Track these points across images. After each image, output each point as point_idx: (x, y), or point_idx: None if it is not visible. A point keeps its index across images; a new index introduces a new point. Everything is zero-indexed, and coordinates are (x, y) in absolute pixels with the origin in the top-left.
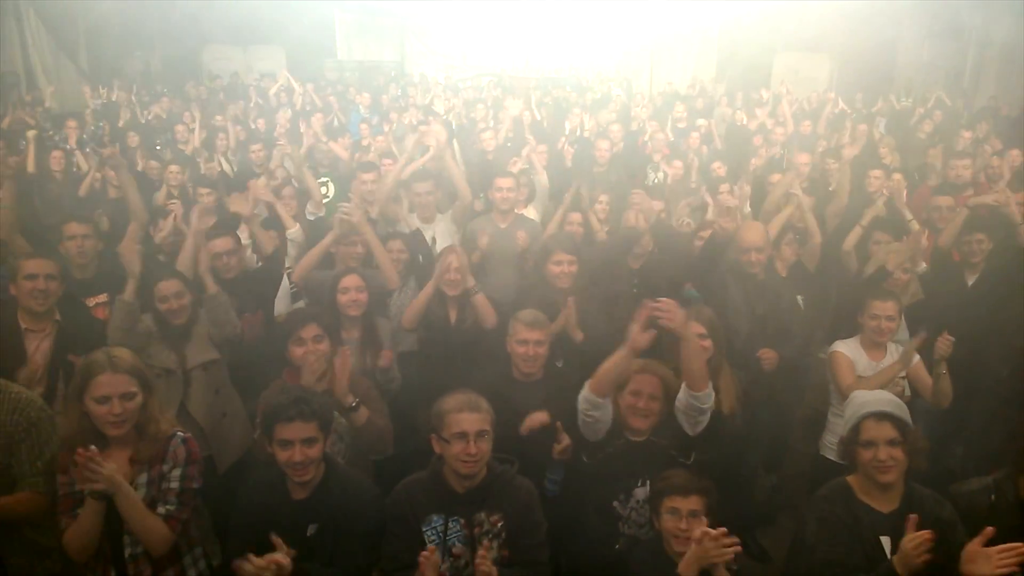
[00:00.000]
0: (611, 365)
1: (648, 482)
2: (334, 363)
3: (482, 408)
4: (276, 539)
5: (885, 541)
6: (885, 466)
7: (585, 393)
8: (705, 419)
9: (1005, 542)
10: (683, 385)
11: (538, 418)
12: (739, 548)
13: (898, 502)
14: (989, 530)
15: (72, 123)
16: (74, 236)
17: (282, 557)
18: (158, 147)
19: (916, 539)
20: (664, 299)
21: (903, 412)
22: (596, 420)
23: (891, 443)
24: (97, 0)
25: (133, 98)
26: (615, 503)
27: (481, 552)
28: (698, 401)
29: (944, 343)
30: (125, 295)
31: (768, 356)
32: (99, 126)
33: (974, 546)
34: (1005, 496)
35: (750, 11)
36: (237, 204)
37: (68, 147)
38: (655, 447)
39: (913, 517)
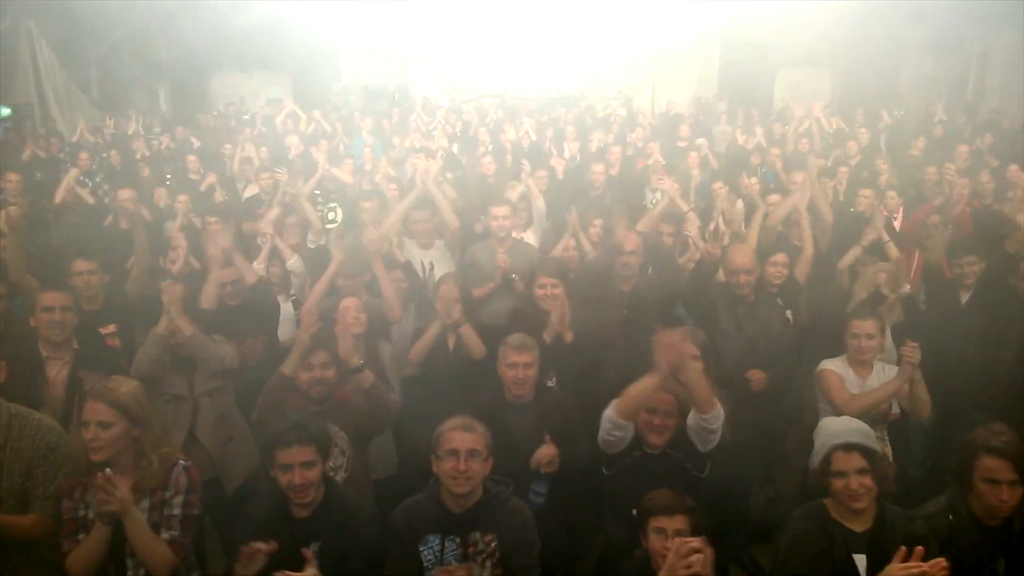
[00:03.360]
0: (640, 391)
1: None
2: (335, 328)
3: (476, 430)
4: (307, 552)
5: (860, 559)
6: (857, 495)
7: (610, 413)
8: (716, 437)
9: (968, 558)
10: (692, 409)
11: (547, 454)
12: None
13: (871, 521)
14: (902, 550)
15: (84, 155)
16: (80, 272)
17: (313, 572)
18: (169, 178)
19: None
20: (670, 331)
21: (870, 440)
22: (618, 439)
23: (860, 472)
24: (108, 30)
25: (140, 129)
26: (633, 512)
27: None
28: (707, 423)
29: (910, 350)
30: (159, 328)
31: (757, 377)
32: (104, 157)
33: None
34: (960, 515)
35: (752, 27)
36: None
37: (81, 179)
38: (671, 459)
39: (902, 549)
